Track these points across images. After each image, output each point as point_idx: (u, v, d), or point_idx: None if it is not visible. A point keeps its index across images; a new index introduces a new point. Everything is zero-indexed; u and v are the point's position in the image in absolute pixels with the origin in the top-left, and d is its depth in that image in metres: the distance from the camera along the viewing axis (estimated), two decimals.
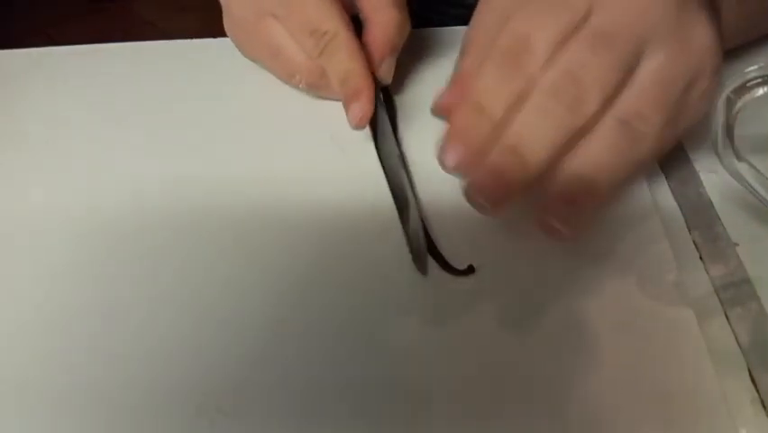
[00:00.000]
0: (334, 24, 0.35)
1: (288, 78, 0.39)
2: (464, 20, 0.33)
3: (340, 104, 0.38)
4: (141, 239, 0.33)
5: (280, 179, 0.35)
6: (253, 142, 0.38)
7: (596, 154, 0.28)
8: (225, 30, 0.40)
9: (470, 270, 0.31)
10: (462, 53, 0.32)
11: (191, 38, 0.44)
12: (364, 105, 0.34)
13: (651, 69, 0.28)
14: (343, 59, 0.35)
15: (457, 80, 0.30)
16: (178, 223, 0.34)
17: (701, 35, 0.29)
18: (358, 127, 0.35)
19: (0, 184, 0.36)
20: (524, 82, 0.28)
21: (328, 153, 0.37)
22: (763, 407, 0.26)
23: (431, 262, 0.31)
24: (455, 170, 0.28)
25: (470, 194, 0.28)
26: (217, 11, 0.41)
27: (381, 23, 0.36)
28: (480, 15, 0.32)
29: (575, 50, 0.28)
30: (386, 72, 0.37)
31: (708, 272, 0.30)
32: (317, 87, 0.38)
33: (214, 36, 0.43)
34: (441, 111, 0.30)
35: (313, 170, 0.36)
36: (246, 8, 0.38)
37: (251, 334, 0.29)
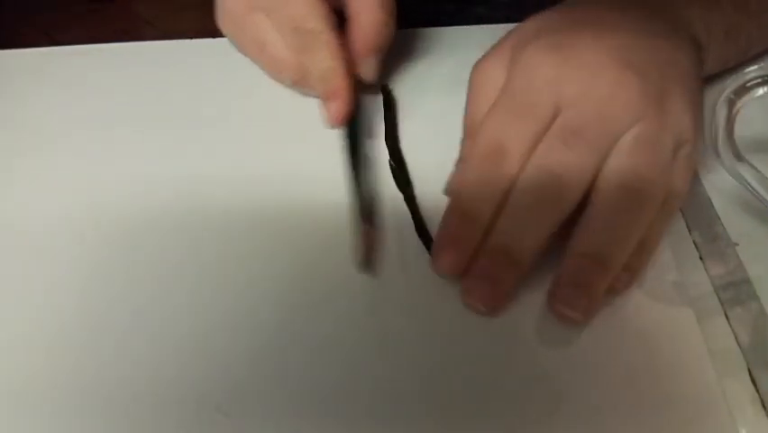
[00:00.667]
0: (319, 23, 0.35)
1: (274, 73, 0.39)
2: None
3: None
4: (139, 239, 0.33)
5: (280, 179, 0.35)
6: (253, 142, 0.38)
7: (599, 232, 0.28)
8: (217, 23, 0.40)
9: None
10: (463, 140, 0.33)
11: (191, 38, 0.44)
12: (340, 105, 0.35)
13: (633, 135, 0.28)
14: (324, 58, 0.35)
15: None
16: (175, 222, 0.34)
17: (675, 103, 0.29)
18: (334, 126, 0.35)
19: (0, 184, 0.36)
20: (504, 182, 0.29)
21: (327, 153, 0.37)
22: (763, 407, 0.26)
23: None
24: (449, 274, 0.29)
25: (466, 300, 0.29)
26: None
27: (365, 23, 0.36)
28: (472, 106, 0.33)
29: (549, 147, 0.29)
30: (367, 71, 0.37)
31: (708, 272, 0.30)
32: (301, 84, 0.38)
33: (214, 36, 0.43)
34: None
35: (312, 170, 0.36)
36: (238, 1, 0.38)
37: (251, 334, 0.29)
